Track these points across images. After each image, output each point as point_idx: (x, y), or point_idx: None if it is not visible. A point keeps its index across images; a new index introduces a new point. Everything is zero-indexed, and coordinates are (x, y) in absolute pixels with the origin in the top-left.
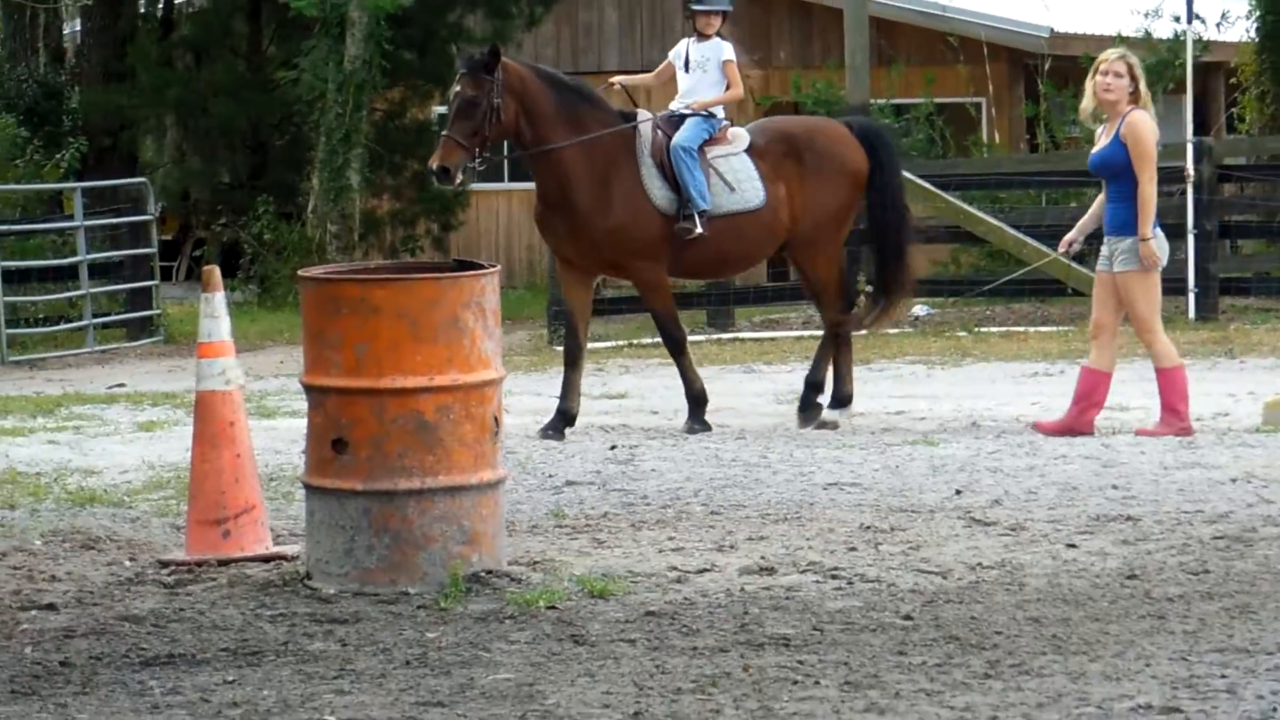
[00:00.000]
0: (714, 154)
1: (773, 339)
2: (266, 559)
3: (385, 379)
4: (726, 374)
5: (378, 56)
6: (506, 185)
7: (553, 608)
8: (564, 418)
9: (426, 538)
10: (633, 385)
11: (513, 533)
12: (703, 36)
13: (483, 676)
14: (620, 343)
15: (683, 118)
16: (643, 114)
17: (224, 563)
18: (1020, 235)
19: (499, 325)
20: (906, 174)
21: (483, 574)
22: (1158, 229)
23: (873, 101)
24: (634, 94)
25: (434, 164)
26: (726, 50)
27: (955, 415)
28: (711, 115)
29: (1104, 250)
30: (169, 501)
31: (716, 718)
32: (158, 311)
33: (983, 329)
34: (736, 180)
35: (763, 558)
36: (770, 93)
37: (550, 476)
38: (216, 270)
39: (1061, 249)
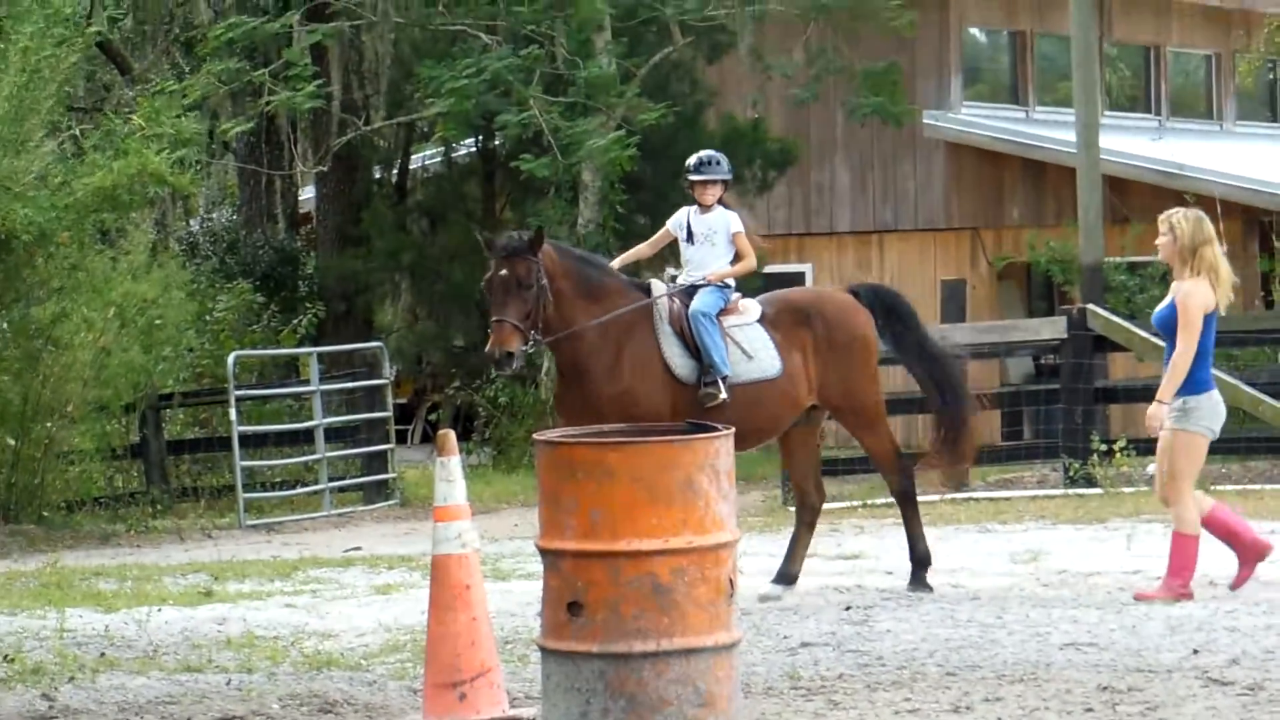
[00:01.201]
0: (728, 323)
1: (1007, 498)
2: None
3: (620, 542)
4: (961, 534)
5: (610, 219)
6: None
7: None
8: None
9: (662, 700)
10: (867, 545)
11: (748, 695)
12: (704, 207)
13: None
14: (854, 503)
15: (694, 288)
16: (656, 285)
17: None
18: (1256, 393)
19: (733, 487)
20: (1141, 332)
21: None
22: (1210, 394)
23: (1107, 260)
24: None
25: (494, 351)
26: (735, 222)
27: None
28: (725, 285)
29: (1165, 412)
30: (405, 665)
31: None
32: (393, 475)
33: (1218, 486)
34: (753, 349)
35: (999, 719)
36: (1003, 251)
37: (785, 638)
38: (452, 435)
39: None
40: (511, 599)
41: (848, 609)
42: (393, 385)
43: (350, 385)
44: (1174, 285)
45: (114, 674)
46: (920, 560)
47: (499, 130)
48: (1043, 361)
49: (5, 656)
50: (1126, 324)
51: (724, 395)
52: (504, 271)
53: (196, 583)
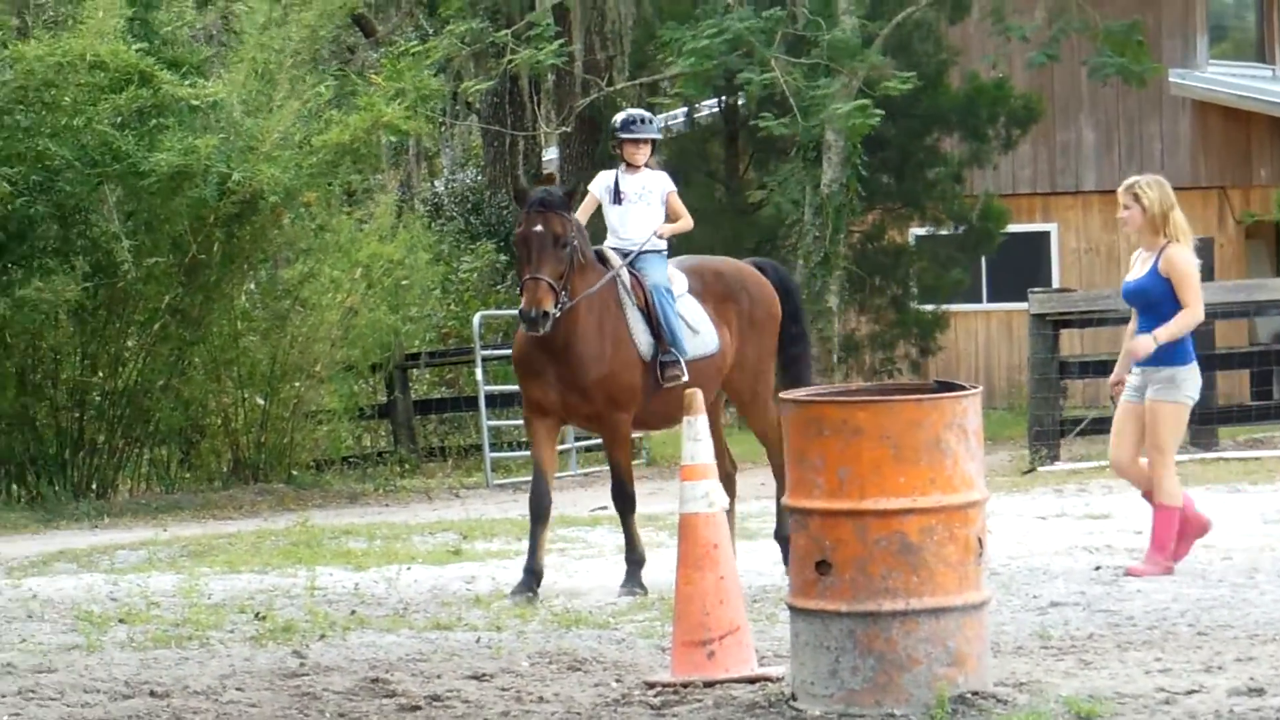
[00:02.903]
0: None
1: (1257, 458)
2: (751, 680)
3: (868, 500)
4: (1211, 494)
5: (854, 179)
6: (985, 306)
7: None
8: (533, 577)
9: (911, 659)
10: (1116, 505)
11: (997, 654)
12: (632, 167)
13: None
14: (1103, 463)
15: (637, 254)
16: (610, 254)
17: (709, 684)
18: None
19: (981, 446)
20: None
21: (968, 695)
22: (1195, 364)
23: None
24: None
25: (530, 310)
26: (668, 181)
27: None
28: (661, 250)
29: (1133, 380)
30: (653, 623)
31: None
32: (640, 435)
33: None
34: (696, 323)
35: (1251, 679)
36: (1251, 209)
37: (1034, 597)
38: (699, 394)
39: (1113, 392)
40: (759, 558)
41: (1097, 568)
42: None
43: None
44: (1140, 255)
45: (364, 631)
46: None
47: (741, 89)
48: None
49: (257, 614)
50: None
51: (685, 377)
52: (539, 227)
53: (445, 541)
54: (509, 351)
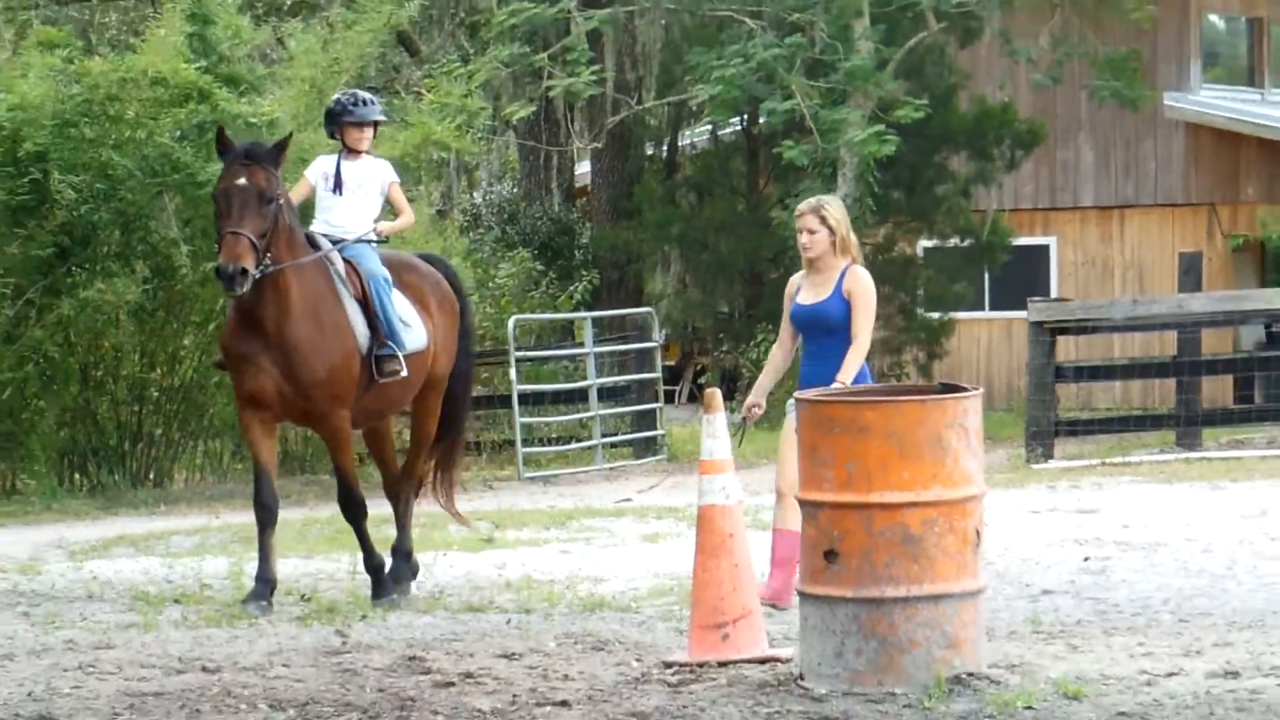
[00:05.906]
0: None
1: (1238, 458)
2: (762, 661)
3: (874, 494)
4: (1194, 490)
5: (867, 195)
6: (987, 314)
7: (1029, 708)
8: (267, 585)
9: (911, 642)
10: (1105, 500)
11: (992, 638)
12: (353, 152)
13: None
14: (1094, 461)
15: (352, 244)
16: (322, 240)
17: (723, 664)
18: None
19: (980, 444)
20: None
21: (964, 676)
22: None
23: None
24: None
25: (228, 266)
26: (390, 171)
27: None
28: (371, 240)
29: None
30: (672, 607)
31: None
32: (662, 432)
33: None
34: (409, 317)
35: (1228, 663)
36: (1238, 226)
37: (1027, 586)
38: (718, 393)
39: (746, 416)
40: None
41: (1086, 559)
42: (662, 348)
43: (622, 348)
44: (806, 279)
45: (402, 613)
46: (406, 554)
47: (765, 116)
48: (1274, 329)
49: (303, 596)
50: None
51: (404, 371)
52: (242, 180)
53: (478, 530)
54: (541, 354)
